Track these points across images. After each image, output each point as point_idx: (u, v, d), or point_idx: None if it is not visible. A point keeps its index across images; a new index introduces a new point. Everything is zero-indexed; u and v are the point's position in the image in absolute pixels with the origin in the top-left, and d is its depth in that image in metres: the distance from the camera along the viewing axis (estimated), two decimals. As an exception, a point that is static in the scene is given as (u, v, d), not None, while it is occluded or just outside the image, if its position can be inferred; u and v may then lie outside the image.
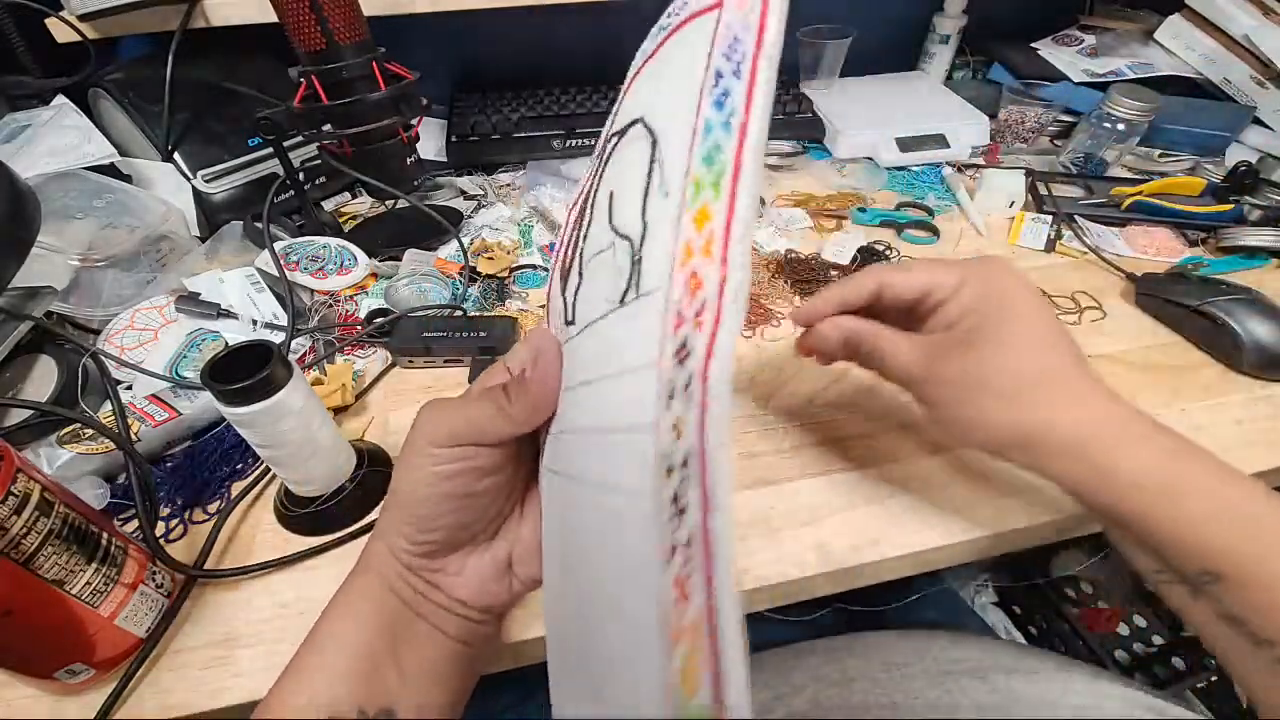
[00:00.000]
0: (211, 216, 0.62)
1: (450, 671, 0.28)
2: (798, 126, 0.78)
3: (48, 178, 0.54)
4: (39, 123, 0.59)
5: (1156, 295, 0.52)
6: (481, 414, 0.27)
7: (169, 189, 0.61)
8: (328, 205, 0.69)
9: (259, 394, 0.31)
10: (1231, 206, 0.62)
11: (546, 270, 0.61)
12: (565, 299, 0.28)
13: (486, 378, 0.29)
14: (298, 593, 0.36)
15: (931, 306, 0.32)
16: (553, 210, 0.67)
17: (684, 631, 0.15)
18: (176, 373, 0.46)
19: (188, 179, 0.61)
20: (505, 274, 0.60)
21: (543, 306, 0.57)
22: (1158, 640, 0.77)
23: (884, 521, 0.38)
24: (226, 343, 0.50)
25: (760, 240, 0.63)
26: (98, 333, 0.50)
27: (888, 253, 0.61)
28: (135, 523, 0.36)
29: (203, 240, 0.61)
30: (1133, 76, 0.78)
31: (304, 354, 0.51)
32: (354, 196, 0.71)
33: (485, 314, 0.55)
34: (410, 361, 0.50)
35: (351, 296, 0.57)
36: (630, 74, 0.26)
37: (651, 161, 0.21)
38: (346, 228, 0.65)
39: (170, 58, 0.60)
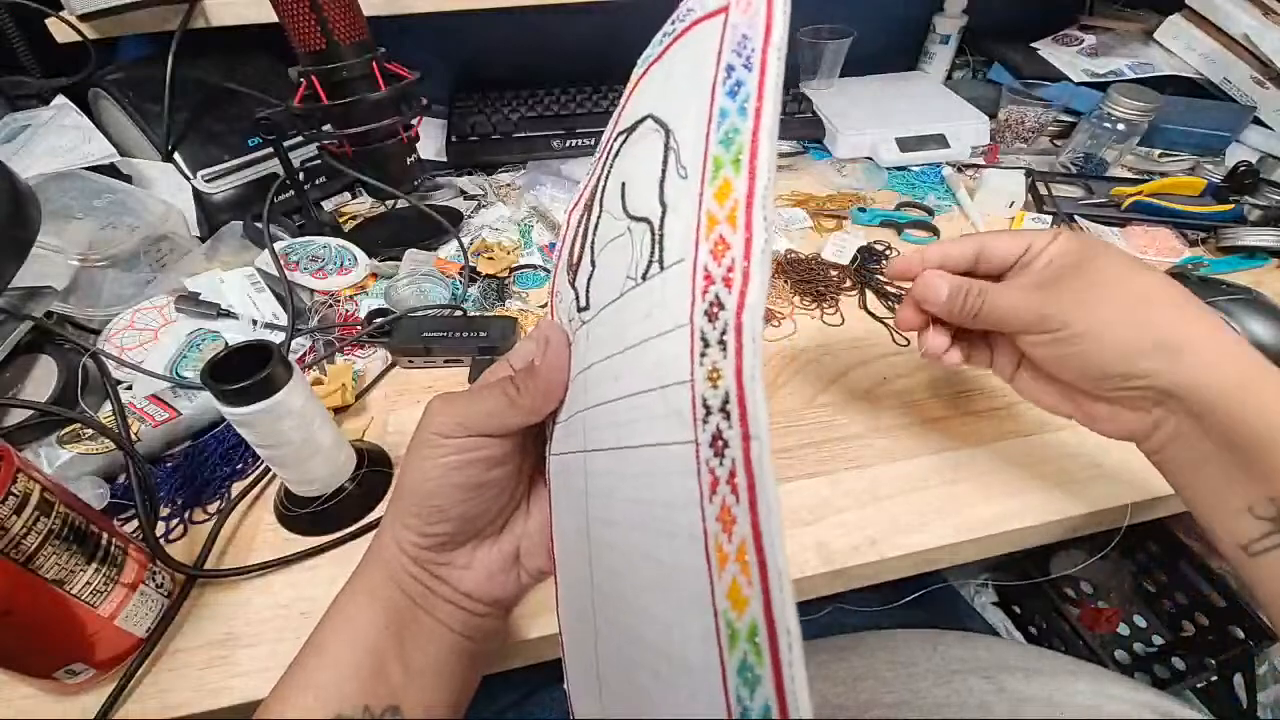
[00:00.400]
0: (211, 216, 0.62)
1: (455, 668, 0.28)
2: (798, 126, 0.78)
3: (48, 178, 0.54)
4: (39, 123, 0.59)
5: (1157, 295, 0.52)
6: (491, 405, 0.27)
7: (169, 189, 0.61)
8: (328, 205, 0.69)
9: (259, 394, 0.31)
10: (1231, 206, 0.62)
11: (547, 270, 0.61)
12: (576, 289, 0.29)
13: (491, 375, 0.30)
14: (298, 592, 0.36)
15: (1027, 261, 0.32)
16: (553, 210, 0.67)
17: (730, 555, 0.16)
18: (176, 373, 0.46)
19: (188, 179, 0.61)
20: (505, 274, 0.60)
21: (543, 306, 0.57)
22: (1158, 640, 0.77)
23: (884, 521, 0.38)
24: (226, 343, 0.50)
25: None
26: (98, 333, 0.50)
27: (888, 253, 0.61)
28: (135, 523, 0.36)
29: (203, 240, 0.60)
30: (1133, 76, 0.78)
31: (304, 354, 0.51)
32: (354, 196, 0.71)
33: (485, 314, 0.55)
34: (410, 361, 0.50)
35: (351, 296, 0.57)
36: (634, 78, 0.28)
37: (666, 149, 0.22)
38: (346, 228, 0.65)
39: (170, 58, 0.60)
